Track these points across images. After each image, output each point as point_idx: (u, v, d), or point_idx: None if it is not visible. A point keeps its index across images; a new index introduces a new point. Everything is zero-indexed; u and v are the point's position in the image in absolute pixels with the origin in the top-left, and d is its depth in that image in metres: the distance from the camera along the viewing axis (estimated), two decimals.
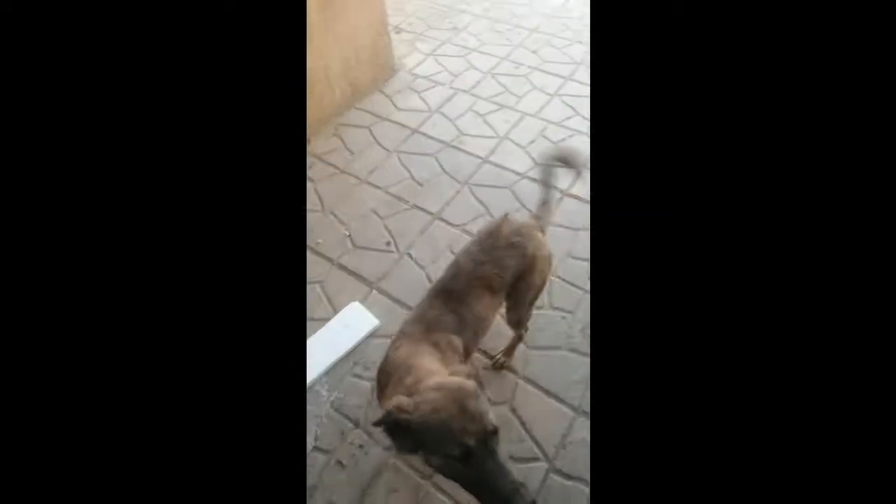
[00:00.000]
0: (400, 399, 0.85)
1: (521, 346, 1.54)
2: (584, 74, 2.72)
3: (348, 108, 2.50)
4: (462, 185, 2.12)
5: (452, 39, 3.04)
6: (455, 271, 1.20)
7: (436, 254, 1.87)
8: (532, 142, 2.33)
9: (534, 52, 2.92)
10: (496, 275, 1.18)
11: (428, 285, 1.61)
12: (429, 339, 1.08)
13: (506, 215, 1.30)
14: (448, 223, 1.97)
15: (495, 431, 0.82)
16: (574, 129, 2.39)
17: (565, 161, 1.41)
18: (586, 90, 2.61)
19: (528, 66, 2.79)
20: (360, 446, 1.43)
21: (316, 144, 2.33)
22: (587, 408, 1.47)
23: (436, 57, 2.89)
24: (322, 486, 1.36)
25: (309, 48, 2.09)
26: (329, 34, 2.21)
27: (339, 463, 1.40)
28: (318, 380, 1.56)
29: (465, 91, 2.63)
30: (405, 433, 0.83)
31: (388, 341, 1.18)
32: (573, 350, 1.59)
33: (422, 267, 1.84)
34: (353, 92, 2.50)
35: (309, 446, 1.43)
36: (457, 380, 0.87)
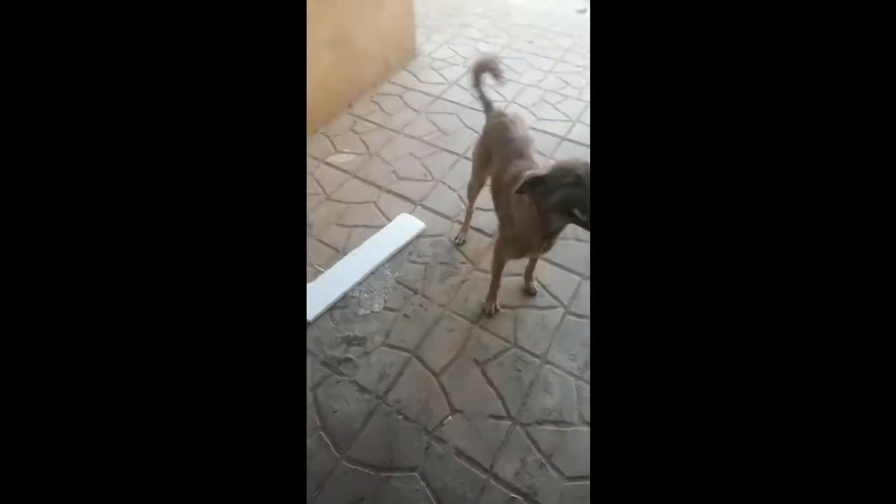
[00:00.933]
0: (532, 172, 1.35)
1: None
2: (574, 57, 3.28)
3: (382, 81, 3.00)
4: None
5: (461, 33, 3.59)
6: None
7: (463, 182, 2.33)
8: (534, 104, 2.85)
9: (529, 41, 3.48)
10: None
11: (461, 205, 2.09)
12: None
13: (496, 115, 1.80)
14: (470, 160, 2.45)
15: (586, 168, 1.25)
16: (567, 95, 2.92)
17: (486, 68, 1.86)
18: (576, 68, 3.16)
19: (526, 52, 3.35)
20: (420, 305, 1.86)
21: (357, 107, 2.82)
22: (589, 273, 1.94)
23: (448, 45, 3.43)
24: (394, 331, 1.78)
25: (357, 31, 2.60)
26: (371, 22, 2.73)
27: (406, 315, 1.83)
28: (382, 264, 2.00)
29: None
30: (539, 183, 1.30)
31: (431, 240, 1.63)
32: (578, 239, 2.06)
33: (453, 190, 2.31)
34: (385, 69, 3.00)
35: (379, 308, 1.85)
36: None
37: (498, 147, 1.68)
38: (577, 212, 1.26)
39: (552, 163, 1.36)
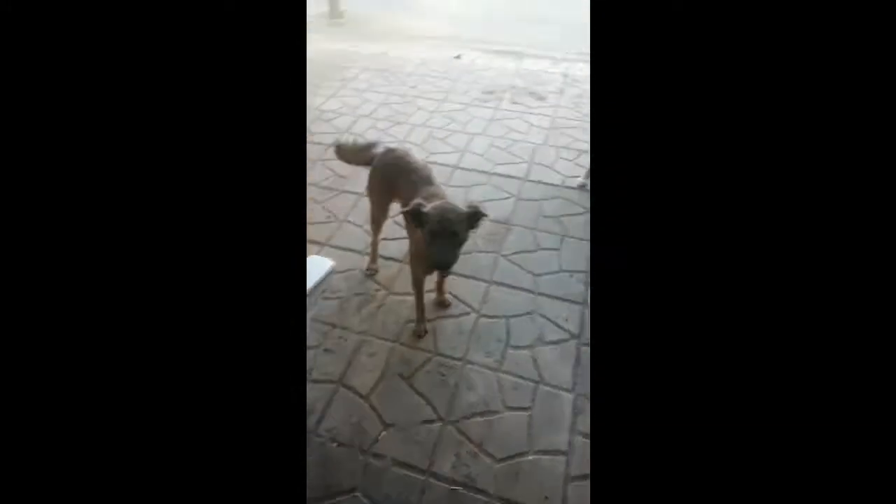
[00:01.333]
0: (419, 201, 1.54)
1: None
2: (454, 96, 3.63)
3: None
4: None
5: (347, 85, 3.82)
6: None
7: (366, 218, 2.46)
8: (425, 140, 3.10)
9: (412, 87, 3.79)
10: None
11: (366, 238, 2.21)
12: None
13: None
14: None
15: (471, 219, 1.53)
16: (452, 130, 3.21)
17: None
18: (458, 106, 3.50)
19: (411, 96, 3.64)
20: (340, 337, 1.91)
21: None
22: (495, 277, 2.11)
23: (335, 97, 3.64)
24: (317, 366, 1.81)
25: None
26: None
27: (326, 350, 1.87)
28: None
29: (365, 116, 3.38)
30: (418, 215, 1.51)
31: (344, 275, 1.75)
32: (479, 251, 2.25)
33: (358, 226, 2.42)
34: None
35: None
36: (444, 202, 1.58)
37: (403, 177, 1.85)
38: (429, 246, 1.54)
39: (440, 202, 1.58)
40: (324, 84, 3.82)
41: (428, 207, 1.53)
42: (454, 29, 5.56)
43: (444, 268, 1.58)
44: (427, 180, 1.80)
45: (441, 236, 1.48)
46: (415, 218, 1.55)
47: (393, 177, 1.90)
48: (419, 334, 1.89)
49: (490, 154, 3.01)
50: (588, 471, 1.47)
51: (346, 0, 5.45)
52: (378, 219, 2.05)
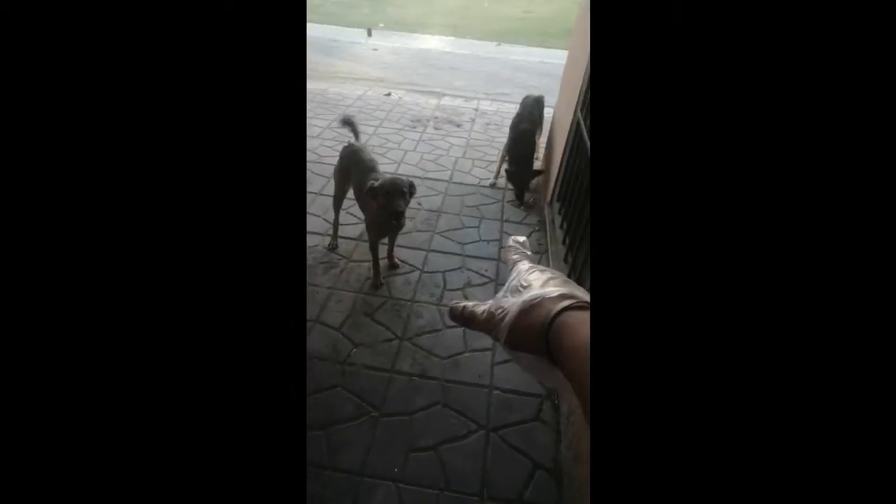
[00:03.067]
0: (372, 182, 2.13)
1: None
2: (388, 124, 4.32)
3: None
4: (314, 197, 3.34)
5: None
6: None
7: (322, 210, 2.98)
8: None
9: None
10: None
11: (325, 225, 2.74)
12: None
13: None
14: (325, 195, 3.14)
15: (410, 188, 2.13)
16: (390, 147, 3.87)
17: (348, 122, 2.85)
18: (391, 130, 4.18)
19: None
20: (312, 291, 2.39)
21: None
22: (433, 247, 2.72)
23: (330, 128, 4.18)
24: None
25: None
26: None
27: None
28: None
29: (314, 137, 3.94)
30: (374, 190, 2.11)
31: (309, 250, 2.29)
32: (417, 231, 2.85)
33: (318, 216, 2.93)
34: None
35: None
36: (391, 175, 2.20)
37: (355, 166, 2.44)
38: (389, 203, 2.14)
39: (385, 177, 2.22)
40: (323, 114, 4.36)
41: (379, 182, 2.15)
42: (385, 73, 6.41)
43: (400, 215, 2.15)
44: (373, 168, 2.42)
45: (393, 193, 2.10)
46: (371, 192, 2.15)
47: (348, 164, 2.49)
48: (376, 286, 2.42)
49: (422, 164, 3.69)
50: (507, 357, 2.07)
51: None
52: (338, 196, 2.62)
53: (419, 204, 3.15)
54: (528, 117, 3.42)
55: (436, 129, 4.38)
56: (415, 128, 4.35)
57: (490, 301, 0.49)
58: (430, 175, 3.54)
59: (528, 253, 0.55)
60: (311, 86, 5.08)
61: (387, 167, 3.56)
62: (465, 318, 0.50)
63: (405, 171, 3.55)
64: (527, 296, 0.45)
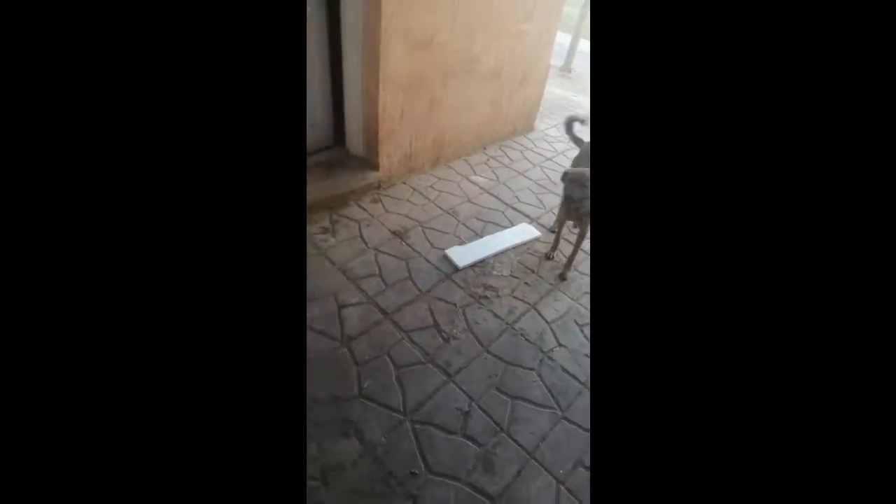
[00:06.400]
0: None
1: None
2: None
3: (508, 140, 3.99)
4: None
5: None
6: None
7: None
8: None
9: None
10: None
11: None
12: None
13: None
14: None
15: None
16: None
17: (574, 119, 2.82)
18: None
19: None
20: (536, 280, 2.57)
21: (489, 151, 3.76)
22: None
23: (557, 127, 4.46)
24: (518, 289, 2.48)
25: (506, 99, 3.63)
26: (515, 97, 3.77)
27: (526, 283, 2.53)
28: (509, 249, 2.75)
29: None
30: (563, 177, 2.29)
31: (543, 244, 2.44)
32: None
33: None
34: (513, 132, 4.01)
35: (507, 273, 2.57)
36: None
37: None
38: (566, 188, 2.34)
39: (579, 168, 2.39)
40: (550, 115, 4.69)
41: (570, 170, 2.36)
42: None
43: (570, 200, 2.35)
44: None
45: (575, 181, 2.31)
46: (562, 176, 2.40)
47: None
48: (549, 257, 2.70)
49: None
50: None
51: (577, 60, 6.39)
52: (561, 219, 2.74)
53: None
54: None
55: None
56: None
57: None
58: None
59: None
60: (583, 98, 5.25)
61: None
62: None
63: None
64: None
